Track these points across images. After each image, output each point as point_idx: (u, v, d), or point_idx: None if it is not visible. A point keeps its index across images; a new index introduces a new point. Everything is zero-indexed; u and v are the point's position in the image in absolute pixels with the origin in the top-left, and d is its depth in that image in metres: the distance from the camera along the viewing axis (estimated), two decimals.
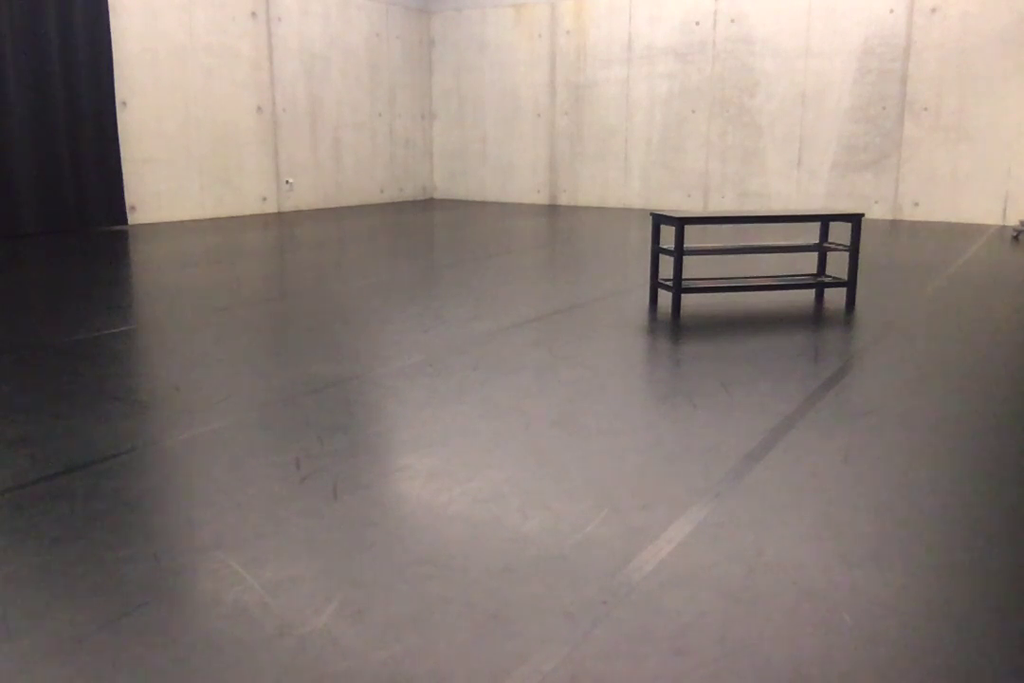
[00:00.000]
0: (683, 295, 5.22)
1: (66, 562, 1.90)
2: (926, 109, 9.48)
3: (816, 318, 4.62)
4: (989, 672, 1.53)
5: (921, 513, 2.18)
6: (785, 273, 5.92)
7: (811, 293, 5.35)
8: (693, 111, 10.79)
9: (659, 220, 4.80)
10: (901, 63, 9.52)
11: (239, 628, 1.65)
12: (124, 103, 8.65)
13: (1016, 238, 8.10)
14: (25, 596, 1.76)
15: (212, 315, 4.56)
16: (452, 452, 2.59)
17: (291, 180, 10.64)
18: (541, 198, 12.15)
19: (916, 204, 9.77)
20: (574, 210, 11.18)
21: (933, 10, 9.28)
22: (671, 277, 5.07)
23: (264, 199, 10.33)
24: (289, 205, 10.70)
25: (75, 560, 1.91)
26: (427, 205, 11.83)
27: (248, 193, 10.12)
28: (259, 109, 10.07)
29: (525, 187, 12.25)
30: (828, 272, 5.91)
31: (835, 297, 5.21)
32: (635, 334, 4.18)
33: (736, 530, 2.07)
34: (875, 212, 10.01)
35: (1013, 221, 9.26)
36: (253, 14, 9.80)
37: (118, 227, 8.70)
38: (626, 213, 10.77)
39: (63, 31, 8.00)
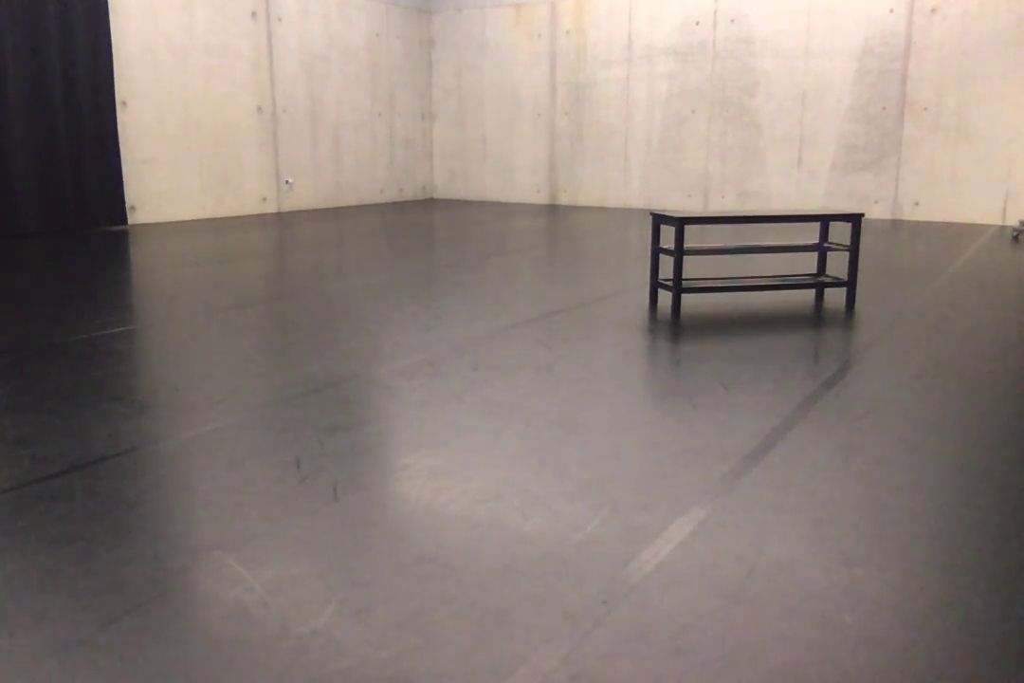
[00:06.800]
0: (683, 295, 5.22)
1: (66, 562, 1.90)
2: (926, 109, 9.48)
3: (816, 318, 4.62)
4: (989, 672, 1.53)
5: (921, 513, 2.18)
6: (785, 273, 5.92)
7: (811, 293, 5.35)
8: (693, 111, 10.79)
9: (659, 220, 4.80)
10: (901, 63, 9.52)
11: (239, 628, 1.65)
12: (124, 103, 8.65)
13: (1016, 238, 8.10)
14: (25, 596, 1.76)
15: (212, 315, 4.56)
16: (452, 452, 2.58)
17: (291, 180, 10.64)
18: (541, 198, 12.15)
19: (916, 204, 9.77)
20: (574, 210, 11.18)
21: (933, 10, 9.28)
22: (671, 277, 5.07)
23: (264, 199, 10.33)
24: (289, 205, 10.70)
25: (75, 560, 1.91)
26: (427, 205, 11.82)
27: (248, 193, 10.12)
28: (259, 109, 10.07)
29: (525, 187, 12.25)
30: (828, 272, 5.91)
31: (835, 297, 5.21)
32: (635, 334, 4.18)
33: (736, 530, 2.07)
34: (875, 212, 10.01)
35: (1013, 221, 9.26)
36: (253, 14, 9.80)
37: (118, 227, 8.70)
38: (626, 213, 10.77)
39: (63, 31, 8.00)
